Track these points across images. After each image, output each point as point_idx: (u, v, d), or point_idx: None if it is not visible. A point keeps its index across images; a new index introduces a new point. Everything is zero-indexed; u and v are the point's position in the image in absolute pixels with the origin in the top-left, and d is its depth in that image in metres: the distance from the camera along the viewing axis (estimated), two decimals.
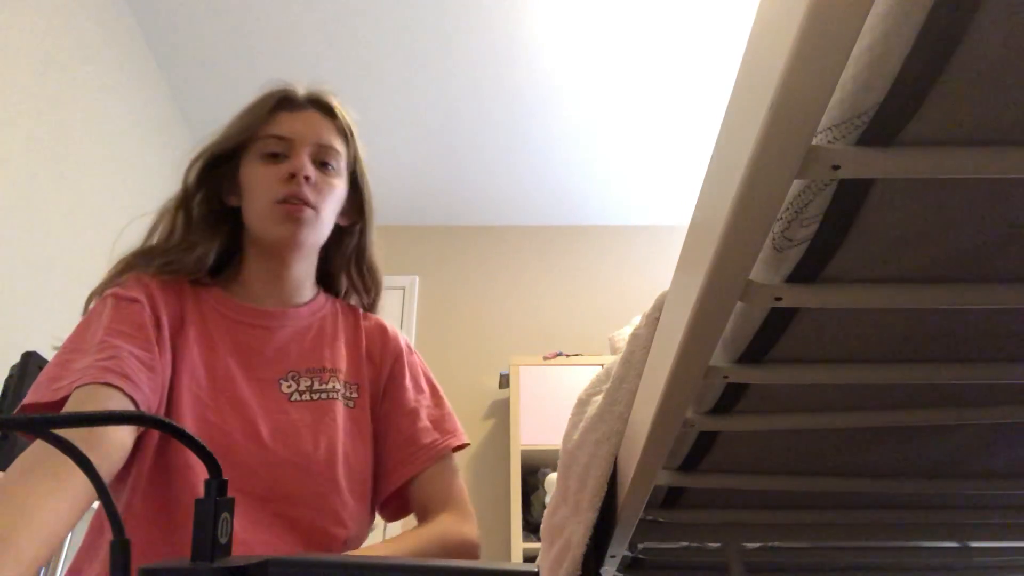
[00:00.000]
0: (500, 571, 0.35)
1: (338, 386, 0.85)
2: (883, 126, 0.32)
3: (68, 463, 0.61)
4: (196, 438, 0.33)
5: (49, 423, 0.32)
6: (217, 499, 0.33)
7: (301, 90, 0.89)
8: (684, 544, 0.87)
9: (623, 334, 0.74)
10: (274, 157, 0.84)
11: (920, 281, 0.41)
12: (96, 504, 0.79)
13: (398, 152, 2.89)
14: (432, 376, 0.96)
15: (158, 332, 0.77)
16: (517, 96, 2.60)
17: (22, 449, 0.68)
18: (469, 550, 0.81)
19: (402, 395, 0.90)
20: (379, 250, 0.97)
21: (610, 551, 0.74)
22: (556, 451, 0.83)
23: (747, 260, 0.37)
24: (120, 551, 0.31)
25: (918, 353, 0.50)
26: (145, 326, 0.75)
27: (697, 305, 0.40)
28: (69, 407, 0.65)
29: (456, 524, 0.82)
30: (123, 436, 0.66)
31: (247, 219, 0.87)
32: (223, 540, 0.33)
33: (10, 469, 0.62)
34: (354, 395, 0.87)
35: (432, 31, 2.31)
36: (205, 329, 0.82)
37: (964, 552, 0.88)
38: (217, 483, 0.33)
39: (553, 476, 2.45)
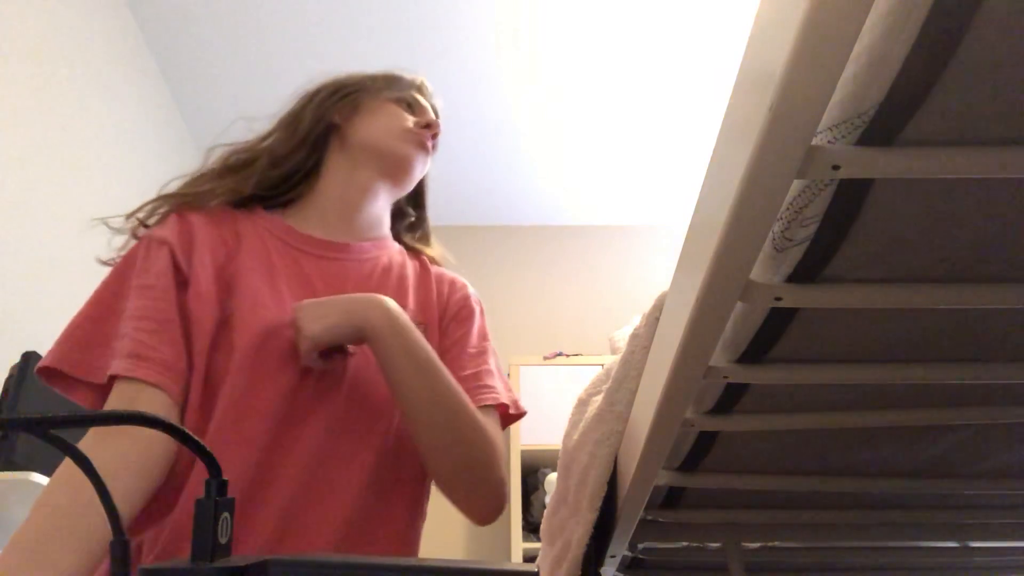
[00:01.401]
0: (500, 571, 0.35)
1: None
2: (883, 126, 0.32)
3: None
4: (196, 438, 0.33)
5: (49, 423, 0.32)
6: (217, 499, 0.33)
7: (429, 86, 1.01)
8: (684, 544, 0.87)
9: (623, 334, 0.74)
10: (407, 106, 0.94)
11: (920, 281, 0.41)
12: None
13: None
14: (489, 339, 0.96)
15: (191, 271, 0.76)
16: (517, 96, 2.60)
17: (23, 448, 0.68)
18: (499, 468, 0.79)
19: (468, 338, 0.89)
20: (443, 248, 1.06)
21: (610, 551, 0.74)
22: (556, 451, 0.83)
23: (747, 260, 0.37)
24: (120, 551, 0.31)
25: (918, 353, 0.50)
26: (166, 273, 0.75)
27: (697, 305, 0.40)
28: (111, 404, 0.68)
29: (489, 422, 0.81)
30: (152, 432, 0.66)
31: (362, 135, 0.90)
32: (223, 540, 0.33)
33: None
34: (424, 332, 0.84)
35: (431, 31, 2.31)
36: (264, 257, 0.81)
37: (964, 552, 0.88)
38: (217, 483, 0.33)
39: (553, 476, 2.44)
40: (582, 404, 0.79)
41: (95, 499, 0.54)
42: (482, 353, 0.89)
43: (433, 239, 1.05)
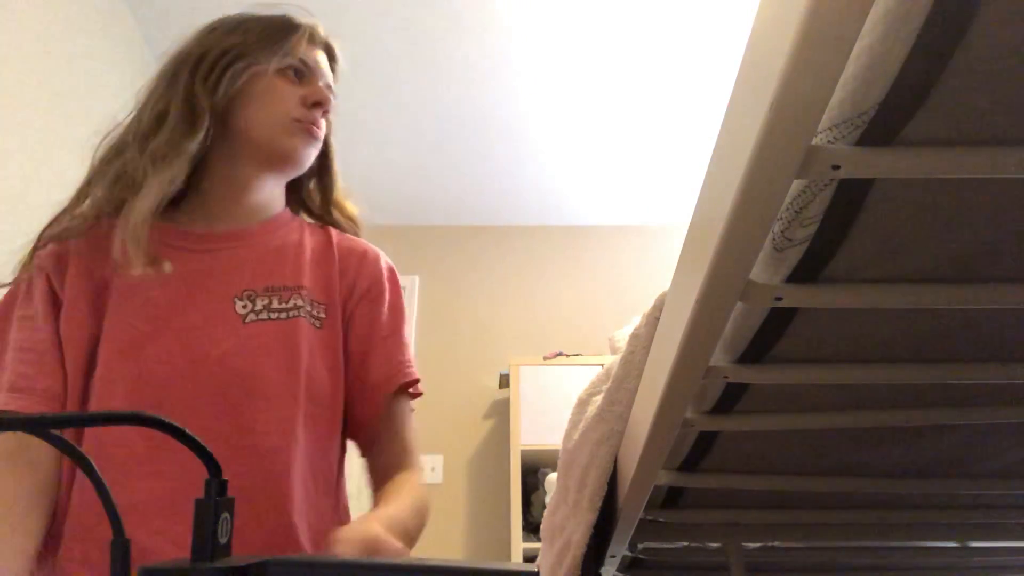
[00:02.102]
0: (500, 571, 0.35)
1: (301, 303, 0.81)
2: (883, 126, 0.32)
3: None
4: (195, 437, 0.33)
5: (49, 423, 0.32)
6: (217, 499, 0.33)
7: (320, 30, 0.91)
8: (684, 544, 0.87)
9: (623, 334, 0.74)
10: (295, 76, 0.85)
11: (920, 281, 0.41)
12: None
13: (397, 152, 2.89)
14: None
15: (64, 294, 0.75)
16: (517, 95, 2.60)
17: None
18: (427, 510, 0.80)
19: (379, 319, 0.86)
20: (349, 196, 0.96)
21: (610, 551, 0.74)
22: (556, 451, 0.83)
23: (747, 260, 0.37)
24: (120, 551, 0.31)
25: (918, 353, 0.50)
26: (44, 300, 0.75)
27: (697, 305, 0.40)
28: None
29: (418, 478, 0.82)
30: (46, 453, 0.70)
31: (243, 126, 0.82)
32: (223, 540, 0.33)
33: None
34: (321, 315, 0.82)
35: (431, 29, 2.31)
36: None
37: (964, 552, 0.88)
38: (217, 483, 0.33)
39: (553, 476, 2.44)
40: (582, 404, 0.79)
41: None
42: (394, 334, 0.87)
43: (344, 202, 0.96)
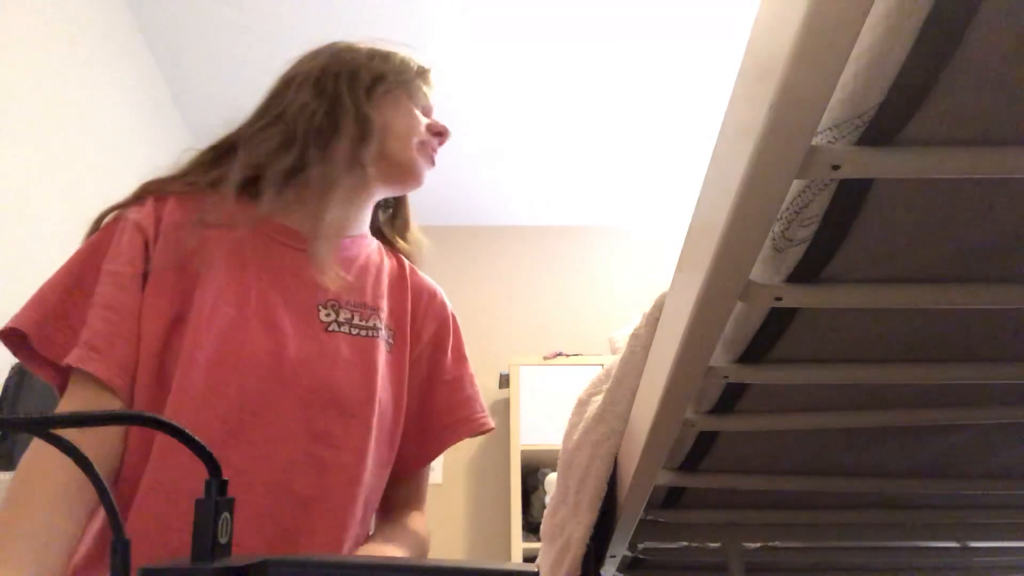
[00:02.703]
0: (500, 571, 0.35)
1: (379, 325, 0.82)
2: (883, 126, 0.32)
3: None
4: (194, 436, 0.33)
5: (49, 423, 0.32)
6: (217, 499, 0.33)
7: (431, 72, 0.97)
8: (684, 544, 0.87)
9: (623, 334, 0.74)
10: (420, 106, 0.92)
11: (920, 281, 0.41)
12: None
13: None
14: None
15: (154, 261, 0.74)
16: (517, 95, 2.60)
17: (23, 448, 0.69)
18: (426, 551, 0.84)
19: (444, 362, 0.90)
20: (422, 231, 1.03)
21: (610, 551, 0.74)
22: (556, 451, 0.83)
23: (747, 260, 0.37)
24: (120, 551, 0.31)
25: (918, 353, 0.50)
26: (134, 261, 0.73)
27: (697, 305, 0.40)
28: (66, 402, 0.68)
29: (422, 525, 0.85)
30: (112, 435, 0.68)
31: (383, 139, 0.85)
32: (223, 540, 0.33)
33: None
34: (392, 340, 0.84)
35: (430, 28, 2.31)
36: (236, 249, 0.78)
37: (964, 552, 0.88)
38: (217, 483, 0.33)
39: (553, 476, 2.44)
40: (582, 404, 0.79)
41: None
42: (460, 382, 0.91)
43: (412, 224, 1.02)
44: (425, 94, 0.93)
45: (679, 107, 2.65)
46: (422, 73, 0.93)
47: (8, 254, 1.61)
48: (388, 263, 0.91)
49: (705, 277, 0.38)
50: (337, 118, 0.82)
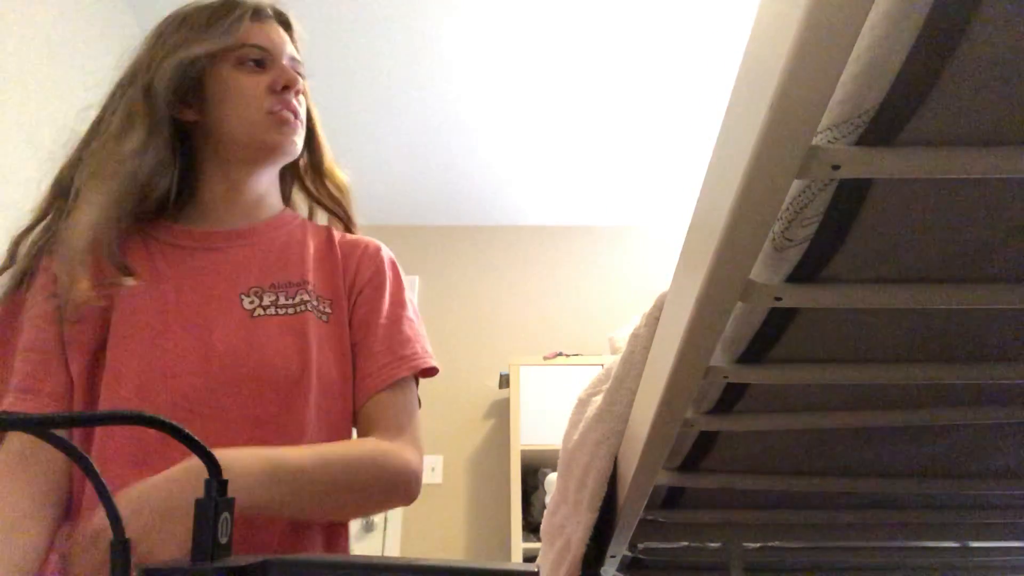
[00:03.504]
0: (500, 571, 0.35)
1: (307, 298, 0.81)
2: (883, 126, 0.32)
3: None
4: (194, 436, 0.33)
5: (49, 423, 0.32)
6: (217, 499, 0.33)
7: (264, 3, 0.88)
8: (684, 544, 0.87)
9: (623, 334, 0.74)
10: (256, 65, 0.83)
11: (920, 281, 0.41)
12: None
13: (397, 152, 2.89)
14: (408, 298, 0.91)
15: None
16: (517, 95, 2.60)
17: None
18: (406, 477, 0.76)
19: (380, 303, 0.86)
20: (339, 164, 0.95)
21: (610, 551, 0.74)
22: (556, 451, 0.83)
23: (747, 260, 0.37)
24: (120, 551, 0.31)
25: (918, 353, 0.50)
26: (48, 299, 0.74)
27: (697, 305, 0.40)
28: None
29: (397, 447, 0.78)
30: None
31: (222, 129, 0.82)
32: (223, 540, 0.33)
33: None
34: (327, 310, 0.82)
35: (431, 27, 2.31)
36: (151, 266, 0.78)
37: (964, 552, 0.88)
38: (217, 483, 0.33)
39: (553, 476, 2.44)
40: (582, 404, 0.79)
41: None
42: (395, 322, 0.86)
43: (335, 170, 0.94)
44: (246, 37, 0.82)
45: (679, 107, 2.65)
46: (236, 14, 0.83)
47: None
48: (313, 238, 0.89)
49: (705, 277, 0.38)
50: (132, 121, 0.78)
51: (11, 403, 0.70)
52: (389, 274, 0.89)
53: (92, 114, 0.83)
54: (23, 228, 0.79)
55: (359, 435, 0.83)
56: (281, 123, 0.82)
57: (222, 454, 0.67)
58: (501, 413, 3.04)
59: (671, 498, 0.77)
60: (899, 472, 0.70)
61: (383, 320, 0.85)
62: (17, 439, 0.70)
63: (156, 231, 0.82)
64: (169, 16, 0.84)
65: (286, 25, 0.89)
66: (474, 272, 3.34)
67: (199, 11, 0.83)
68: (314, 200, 0.95)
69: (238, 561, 0.33)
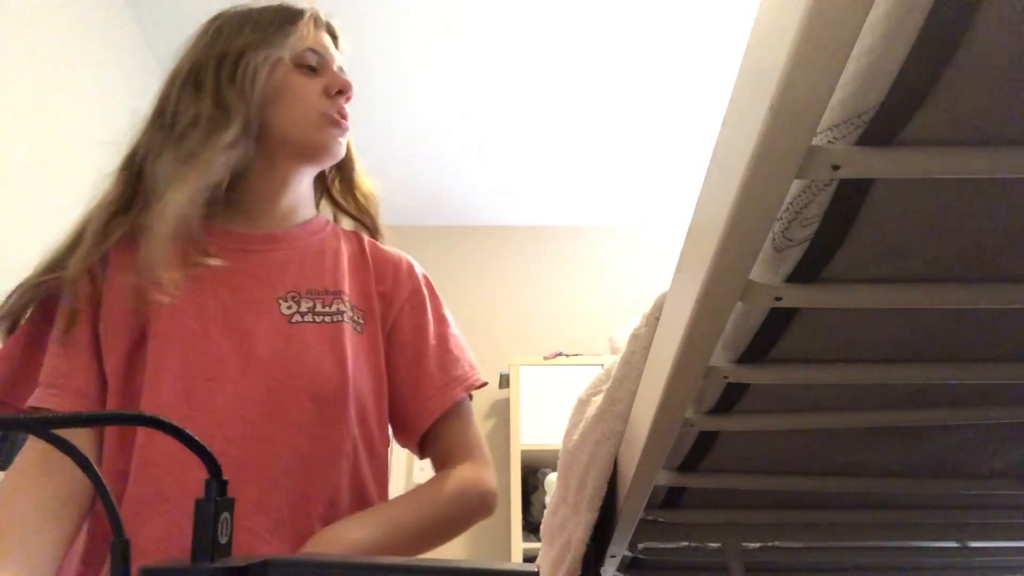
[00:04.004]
0: (500, 571, 0.35)
1: (343, 308, 0.82)
2: (883, 126, 0.32)
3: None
4: (194, 437, 0.33)
5: (49, 423, 0.32)
6: (217, 499, 0.33)
7: (320, 12, 0.90)
8: (684, 544, 0.87)
9: (623, 334, 0.74)
10: (311, 69, 0.85)
11: (920, 281, 0.41)
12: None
13: (398, 152, 2.89)
14: (447, 314, 0.93)
15: (105, 290, 0.75)
16: (517, 95, 2.60)
17: (22, 448, 0.70)
18: (488, 501, 0.82)
19: (425, 323, 0.87)
20: (370, 177, 0.98)
21: (610, 551, 0.74)
22: (556, 451, 0.83)
23: (747, 260, 0.37)
24: (120, 551, 0.31)
25: (918, 353, 0.50)
26: (83, 298, 0.74)
27: (697, 305, 0.40)
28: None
29: (469, 472, 0.82)
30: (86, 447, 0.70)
31: (274, 127, 0.82)
32: (223, 540, 0.33)
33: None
34: (360, 320, 0.83)
35: (431, 27, 2.31)
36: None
37: (964, 552, 0.88)
38: (217, 483, 0.33)
39: (553, 476, 2.45)
40: (582, 404, 0.79)
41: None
42: (442, 341, 0.88)
43: (362, 178, 0.97)
44: (305, 40, 0.84)
45: (679, 107, 2.65)
46: (302, 20, 0.85)
47: (10, 255, 1.61)
48: (346, 245, 0.90)
49: (705, 277, 0.38)
50: (199, 114, 0.79)
51: (37, 397, 0.70)
52: (426, 291, 0.91)
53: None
54: (94, 215, 0.78)
55: (434, 462, 0.86)
56: (333, 125, 0.85)
57: (346, 527, 0.70)
58: (501, 413, 3.04)
59: (671, 498, 0.77)
60: (899, 472, 0.70)
61: (432, 341, 0.87)
62: (32, 446, 0.70)
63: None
64: (225, 14, 0.86)
65: (333, 36, 0.91)
66: (474, 272, 3.34)
67: (263, 12, 0.85)
68: (340, 209, 0.96)
69: (238, 561, 0.33)
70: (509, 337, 3.20)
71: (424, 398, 0.84)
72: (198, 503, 0.33)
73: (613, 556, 0.76)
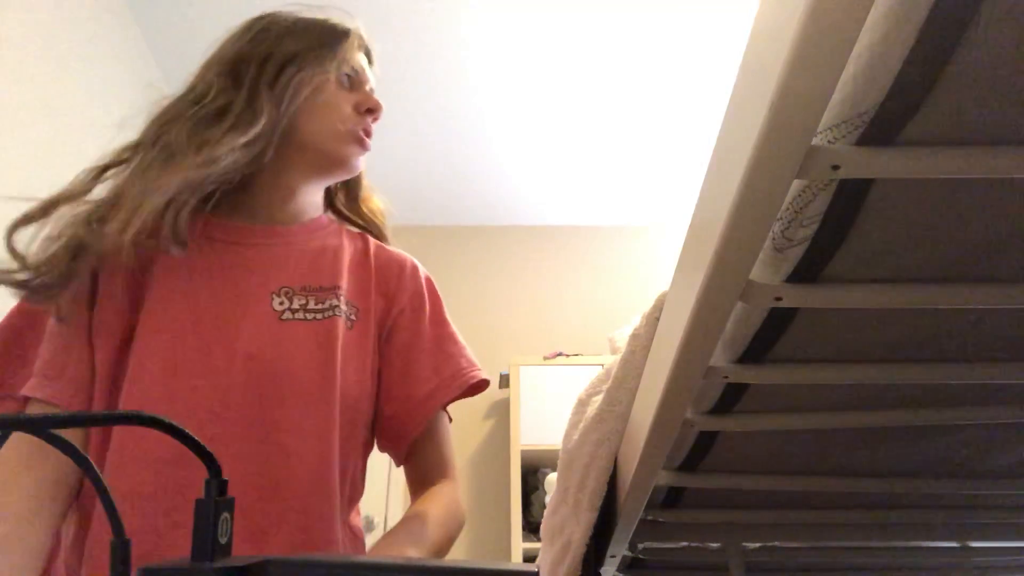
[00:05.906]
0: (500, 571, 0.35)
1: (337, 303, 0.81)
2: (883, 126, 0.32)
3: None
4: (192, 436, 0.33)
5: (49, 423, 0.32)
6: (217, 499, 0.33)
7: (364, 33, 0.91)
8: (684, 544, 0.87)
9: (623, 334, 0.74)
10: (345, 85, 0.86)
11: (920, 281, 0.41)
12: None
13: (398, 152, 2.89)
14: (447, 317, 0.93)
15: (101, 281, 0.75)
16: (517, 94, 2.60)
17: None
18: (462, 512, 0.84)
19: (422, 326, 0.87)
20: (379, 194, 0.99)
21: (610, 551, 0.74)
22: (556, 451, 0.83)
23: (747, 260, 0.37)
24: (120, 551, 0.31)
25: (918, 353, 0.50)
26: (77, 289, 0.73)
27: (697, 305, 0.40)
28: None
29: (454, 493, 0.84)
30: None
31: (298, 132, 0.82)
32: (223, 540, 0.33)
33: None
34: (354, 316, 0.83)
35: (432, 26, 2.31)
36: (182, 259, 0.77)
37: (964, 552, 0.88)
38: (217, 483, 0.33)
39: (553, 476, 2.44)
40: (582, 404, 0.79)
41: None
42: (440, 341, 0.88)
43: (367, 196, 0.98)
44: (349, 60, 0.86)
45: (680, 107, 2.65)
46: (348, 40, 0.86)
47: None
48: (349, 244, 0.89)
49: (705, 277, 0.38)
50: (229, 105, 0.78)
51: (32, 386, 0.70)
52: (427, 294, 0.91)
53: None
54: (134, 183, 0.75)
55: (412, 474, 0.85)
56: (357, 142, 0.86)
57: (400, 547, 0.70)
58: (501, 413, 3.03)
59: (671, 498, 0.77)
60: (899, 472, 0.70)
61: (428, 344, 0.87)
62: (22, 436, 0.70)
63: (193, 221, 0.80)
64: (273, 16, 0.86)
65: (369, 58, 0.92)
66: (474, 272, 3.34)
67: (312, 26, 0.86)
68: (345, 220, 0.96)
69: (238, 561, 0.33)
70: (509, 337, 3.20)
71: (416, 402, 0.84)
72: (198, 503, 0.33)
73: (613, 556, 0.76)
